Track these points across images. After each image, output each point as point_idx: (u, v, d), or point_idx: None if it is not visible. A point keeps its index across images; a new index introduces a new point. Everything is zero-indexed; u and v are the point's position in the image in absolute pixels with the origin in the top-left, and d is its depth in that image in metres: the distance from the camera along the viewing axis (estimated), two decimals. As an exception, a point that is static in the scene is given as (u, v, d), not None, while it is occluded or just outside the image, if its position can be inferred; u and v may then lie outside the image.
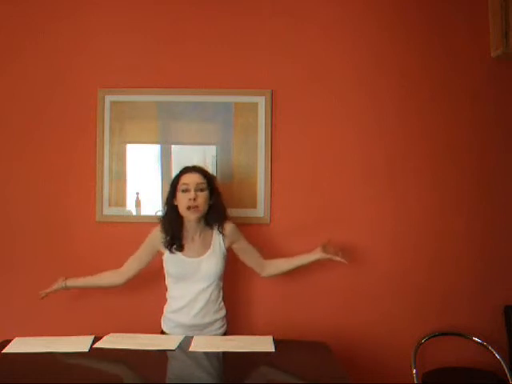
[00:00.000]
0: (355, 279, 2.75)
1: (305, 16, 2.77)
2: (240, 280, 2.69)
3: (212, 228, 2.36)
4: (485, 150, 2.78)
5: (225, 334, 2.36)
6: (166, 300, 2.39)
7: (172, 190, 2.33)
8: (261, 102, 2.74)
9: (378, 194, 2.77)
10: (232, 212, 2.67)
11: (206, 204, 2.30)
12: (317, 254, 2.46)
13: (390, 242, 2.76)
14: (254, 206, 2.74)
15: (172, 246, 2.30)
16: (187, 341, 2.11)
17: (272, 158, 2.75)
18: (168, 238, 2.30)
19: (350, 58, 2.78)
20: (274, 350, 2.03)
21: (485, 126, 2.78)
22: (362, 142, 2.77)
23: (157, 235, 2.34)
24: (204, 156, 2.73)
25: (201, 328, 2.29)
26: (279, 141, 2.76)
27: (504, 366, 2.61)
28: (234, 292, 2.63)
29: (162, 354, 2.00)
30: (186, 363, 2.00)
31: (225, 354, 2.02)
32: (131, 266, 2.41)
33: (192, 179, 2.27)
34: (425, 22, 2.77)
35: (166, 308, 2.38)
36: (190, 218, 2.28)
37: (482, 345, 2.69)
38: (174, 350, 2.01)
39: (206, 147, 2.76)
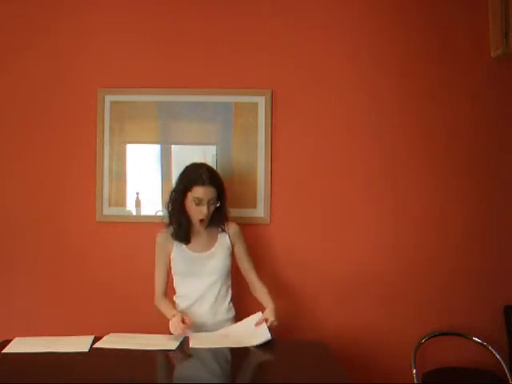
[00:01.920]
0: (355, 279, 2.75)
1: (305, 16, 2.77)
2: (241, 281, 2.69)
3: (217, 226, 2.38)
4: (485, 149, 2.78)
5: None
6: (174, 303, 2.39)
7: (183, 190, 2.29)
8: (261, 102, 2.74)
9: (378, 194, 2.77)
10: (232, 212, 2.67)
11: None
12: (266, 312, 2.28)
13: (390, 241, 2.76)
14: (254, 205, 2.74)
15: (179, 237, 2.32)
16: (187, 341, 2.11)
17: (272, 157, 2.75)
18: (175, 230, 2.32)
19: (350, 58, 2.77)
20: (270, 336, 2.06)
21: (485, 125, 2.78)
22: (362, 141, 2.77)
23: (163, 237, 2.36)
24: (204, 156, 2.72)
25: (211, 329, 2.28)
26: (279, 141, 2.76)
27: (504, 366, 2.61)
28: (239, 293, 2.63)
29: (162, 354, 2.00)
30: (187, 363, 2.00)
31: (225, 353, 2.02)
32: (159, 288, 2.37)
33: (206, 194, 2.25)
34: (425, 22, 2.77)
35: (176, 308, 2.36)
36: (199, 226, 2.32)
37: (482, 345, 2.69)
38: (173, 350, 2.01)
39: (206, 147, 2.76)
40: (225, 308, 2.34)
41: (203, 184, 2.24)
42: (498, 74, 2.77)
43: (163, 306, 2.32)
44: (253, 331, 2.15)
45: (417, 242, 2.76)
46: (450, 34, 2.77)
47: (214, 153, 2.75)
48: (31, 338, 2.11)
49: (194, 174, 2.28)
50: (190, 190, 2.26)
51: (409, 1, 2.77)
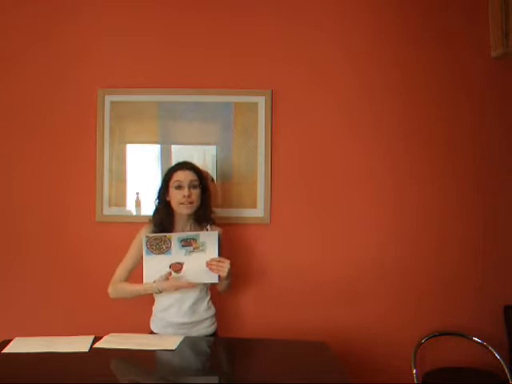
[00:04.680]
0: (355, 279, 2.75)
1: (305, 16, 2.77)
2: (239, 281, 2.69)
3: (201, 225, 2.36)
4: (485, 149, 2.78)
5: (214, 332, 2.36)
6: (154, 300, 2.37)
7: (164, 185, 2.34)
8: (261, 101, 2.74)
9: (378, 194, 2.77)
10: (232, 212, 2.68)
11: (199, 200, 2.32)
12: None
13: (390, 242, 2.76)
14: (253, 206, 2.74)
15: (157, 226, 2.31)
16: (188, 341, 2.11)
17: (272, 157, 2.75)
18: (158, 230, 2.30)
19: (350, 58, 2.78)
20: (217, 280, 2.21)
21: (485, 125, 2.78)
22: (363, 141, 2.77)
23: (146, 231, 2.33)
24: (204, 156, 2.72)
25: (190, 326, 2.28)
26: (279, 141, 2.76)
27: (504, 366, 2.61)
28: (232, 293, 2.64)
29: (162, 354, 2.00)
30: (184, 363, 2.01)
31: (223, 352, 2.01)
32: (121, 275, 2.33)
33: (185, 176, 2.29)
34: (425, 23, 2.77)
35: (155, 307, 2.37)
36: (183, 212, 2.30)
37: (482, 345, 2.69)
38: (173, 350, 2.00)
39: (206, 147, 2.76)
40: (204, 307, 2.32)
41: (181, 168, 2.31)
42: (498, 73, 2.77)
43: (128, 286, 2.29)
44: (204, 268, 2.20)
45: (417, 242, 2.76)
46: (450, 34, 2.77)
47: (214, 153, 2.75)
48: (31, 338, 2.10)
49: (174, 165, 2.38)
50: (170, 179, 2.30)
51: (408, 1, 2.78)
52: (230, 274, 2.22)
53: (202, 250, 2.22)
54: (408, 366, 2.64)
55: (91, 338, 2.10)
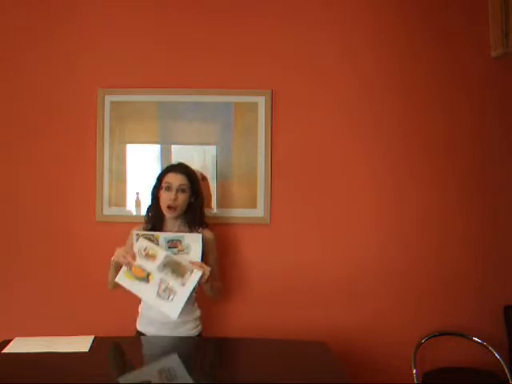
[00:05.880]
0: (355, 279, 2.75)
1: (304, 16, 2.77)
2: (235, 281, 2.70)
3: (190, 229, 2.35)
4: (485, 149, 2.78)
5: (199, 334, 2.35)
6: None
7: (157, 184, 2.37)
8: (261, 101, 2.74)
9: (378, 193, 2.77)
10: (232, 212, 2.68)
11: (185, 204, 2.33)
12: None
13: (390, 242, 2.76)
14: (253, 205, 2.74)
15: (147, 224, 2.36)
16: (186, 339, 2.11)
17: (272, 158, 2.75)
18: (149, 227, 2.35)
19: (350, 58, 2.77)
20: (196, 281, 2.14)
21: (485, 125, 2.78)
22: (362, 141, 2.77)
23: (138, 230, 2.35)
24: (204, 156, 2.73)
25: (173, 327, 2.27)
26: (279, 141, 2.76)
27: (504, 366, 2.61)
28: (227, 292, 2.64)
29: (162, 354, 2.00)
30: (183, 363, 2.01)
31: (224, 354, 2.01)
32: None
33: (175, 179, 2.30)
34: (425, 23, 2.77)
35: (141, 305, 2.38)
36: (167, 215, 2.33)
37: (482, 345, 2.68)
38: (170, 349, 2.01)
39: (206, 147, 2.76)
40: (188, 309, 2.29)
41: (174, 171, 2.33)
42: (498, 73, 2.77)
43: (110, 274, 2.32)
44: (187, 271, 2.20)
45: (417, 242, 2.76)
46: (450, 34, 2.77)
47: (214, 153, 2.75)
48: (31, 338, 2.10)
49: (169, 165, 2.41)
50: (163, 179, 2.33)
51: (408, 1, 2.78)
52: (210, 279, 2.21)
53: (187, 252, 2.24)
54: (408, 366, 2.64)
55: (91, 337, 2.10)
